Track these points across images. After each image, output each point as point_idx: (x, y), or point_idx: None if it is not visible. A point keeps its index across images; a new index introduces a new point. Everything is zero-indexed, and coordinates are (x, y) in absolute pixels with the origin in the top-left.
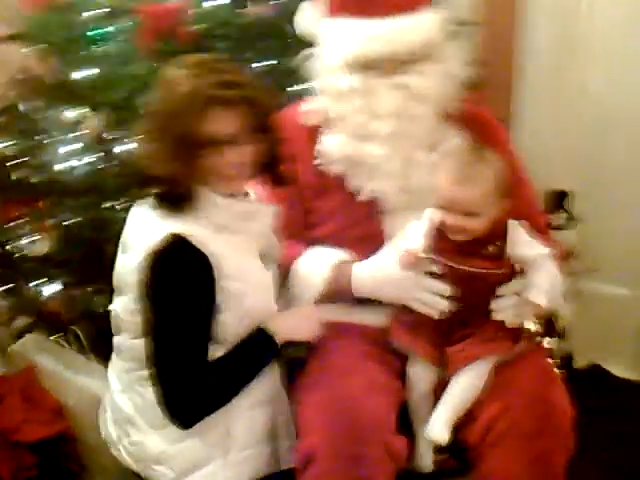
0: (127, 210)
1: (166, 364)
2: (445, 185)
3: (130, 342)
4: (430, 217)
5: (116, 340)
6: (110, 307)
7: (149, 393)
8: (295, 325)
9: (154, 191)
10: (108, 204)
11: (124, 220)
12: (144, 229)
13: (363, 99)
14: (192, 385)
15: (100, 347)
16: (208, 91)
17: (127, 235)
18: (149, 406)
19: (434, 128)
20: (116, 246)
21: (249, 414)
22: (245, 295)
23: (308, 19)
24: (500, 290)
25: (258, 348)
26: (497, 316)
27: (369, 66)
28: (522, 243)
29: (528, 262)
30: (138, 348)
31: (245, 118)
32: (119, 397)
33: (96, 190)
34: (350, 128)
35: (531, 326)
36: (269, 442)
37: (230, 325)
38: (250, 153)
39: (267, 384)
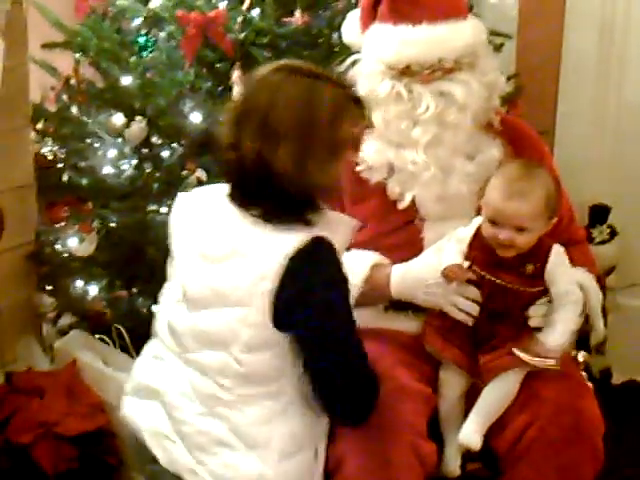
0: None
1: (344, 368)
2: (497, 199)
3: (242, 357)
4: (476, 226)
5: (204, 357)
6: (178, 320)
7: (248, 411)
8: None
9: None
10: (152, 207)
11: (167, 223)
12: (265, 236)
13: (406, 105)
14: (366, 382)
15: (143, 346)
16: (346, 92)
17: (228, 246)
18: (248, 425)
19: (472, 137)
20: (158, 249)
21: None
22: None
23: (353, 28)
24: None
25: None
26: (533, 322)
27: (410, 72)
28: (561, 271)
29: (558, 297)
30: (249, 362)
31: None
32: (202, 420)
33: (140, 193)
34: (392, 134)
35: (551, 362)
36: None
37: None
38: None
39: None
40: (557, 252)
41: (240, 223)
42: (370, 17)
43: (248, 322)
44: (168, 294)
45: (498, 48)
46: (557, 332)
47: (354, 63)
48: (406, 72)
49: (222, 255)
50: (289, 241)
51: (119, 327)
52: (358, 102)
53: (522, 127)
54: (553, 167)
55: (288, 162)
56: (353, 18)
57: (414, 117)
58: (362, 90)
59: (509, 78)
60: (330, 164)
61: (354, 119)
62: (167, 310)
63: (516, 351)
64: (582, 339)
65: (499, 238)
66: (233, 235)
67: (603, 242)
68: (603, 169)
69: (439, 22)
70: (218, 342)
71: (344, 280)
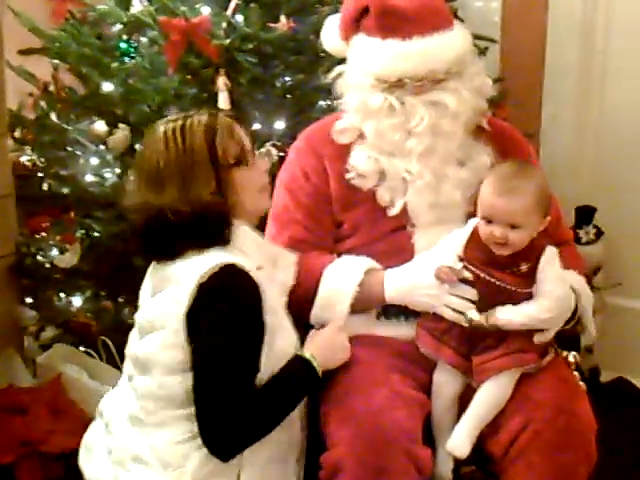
0: None
1: (216, 393)
2: (490, 196)
3: (162, 379)
4: (472, 227)
5: (138, 382)
6: (132, 350)
7: (168, 431)
8: (329, 352)
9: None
10: None
11: None
12: (184, 265)
13: (400, 117)
14: (237, 416)
15: None
16: (220, 121)
17: (162, 275)
18: (166, 445)
19: (463, 144)
20: (144, 258)
21: (262, 470)
22: (276, 331)
23: (333, 34)
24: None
25: (299, 377)
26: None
27: (401, 85)
28: (548, 274)
29: (539, 292)
30: (167, 385)
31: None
32: (126, 436)
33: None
34: (385, 145)
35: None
36: (281, 473)
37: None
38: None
39: (285, 437)
40: (550, 252)
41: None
42: (352, 28)
43: (166, 344)
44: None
45: (482, 52)
46: (512, 310)
47: (340, 74)
48: (397, 84)
49: (156, 286)
50: (201, 267)
51: (105, 339)
52: (233, 119)
53: (508, 130)
54: (541, 171)
55: (174, 193)
56: (332, 24)
57: (408, 129)
58: (352, 102)
59: (494, 82)
60: (211, 181)
61: (229, 132)
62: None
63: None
64: (572, 340)
65: (494, 235)
66: (167, 266)
67: (589, 243)
68: (588, 170)
69: (428, 35)
70: (146, 366)
71: (247, 309)
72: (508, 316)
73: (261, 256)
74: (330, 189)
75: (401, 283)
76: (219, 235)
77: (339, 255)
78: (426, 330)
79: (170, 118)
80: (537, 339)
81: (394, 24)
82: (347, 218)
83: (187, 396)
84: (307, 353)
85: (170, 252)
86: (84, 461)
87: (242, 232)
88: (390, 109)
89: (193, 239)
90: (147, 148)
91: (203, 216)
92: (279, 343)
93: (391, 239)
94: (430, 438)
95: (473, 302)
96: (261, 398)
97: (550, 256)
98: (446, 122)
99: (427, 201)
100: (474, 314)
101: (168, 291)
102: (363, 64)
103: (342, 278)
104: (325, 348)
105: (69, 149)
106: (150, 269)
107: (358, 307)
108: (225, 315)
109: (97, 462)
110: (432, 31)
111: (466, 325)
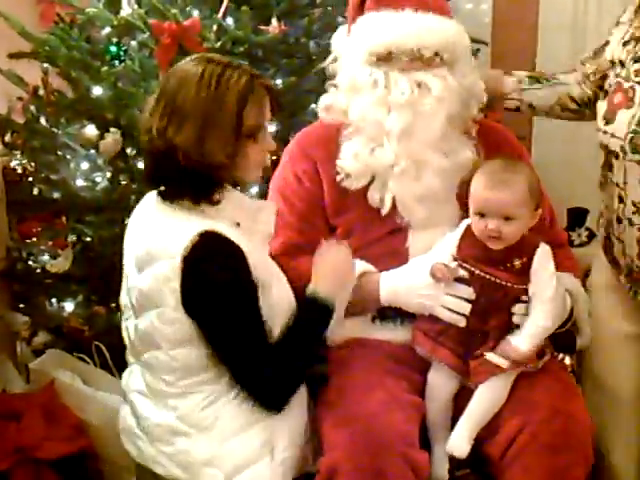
0: None
1: (243, 358)
2: (482, 189)
3: (173, 353)
4: (465, 226)
5: (148, 357)
6: (130, 328)
7: (193, 398)
8: (335, 277)
9: (181, 184)
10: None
11: None
12: (164, 235)
13: (382, 91)
14: (271, 367)
15: (124, 363)
16: (259, 79)
17: (144, 250)
18: (193, 411)
19: (447, 136)
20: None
21: (291, 415)
22: (271, 286)
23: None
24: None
25: (316, 312)
26: (516, 320)
27: (390, 60)
28: (543, 271)
29: (534, 297)
30: (179, 357)
31: (271, 106)
32: (156, 414)
33: (116, 206)
34: (368, 127)
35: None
36: (303, 445)
37: (264, 315)
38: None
39: (303, 390)
40: (544, 250)
41: (154, 220)
42: (358, 13)
43: (167, 320)
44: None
45: (474, 54)
46: (522, 336)
47: (336, 59)
48: (386, 59)
49: (143, 260)
50: (183, 239)
51: (99, 344)
52: (268, 91)
53: (501, 131)
54: (533, 169)
55: (190, 138)
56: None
57: (388, 103)
58: (342, 80)
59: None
60: (228, 145)
61: (259, 106)
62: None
63: (491, 356)
64: (568, 342)
65: (488, 228)
66: (149, 236)
67: (581, 245)
68: (580, 172)
69: (422, 11)
70: (152, 342)
71: (235, 272)
72: (525, 344)
73: (242, 213)
74: (323, 192)
75: (396, 285)
76: (211, 195)
77: None
78: (422, 331)
79: (212, 57)
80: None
81: None
82: (340, 222)
83: (201, 362)
84: (315, 287)
85: (167, 192)
86: (127, 444)
87: (230, 192)
88: (374, 84)
89: (188, 189)
90: (179, 77)
91: (207, 173)
92: (275, 292)
93: (385, 242)
94: (426, 441)
95: (469, 301)
96: (285, 343)
97: (543, 254)
98: (427, 103)
99: (412, 192)
100: (492, 357)
101: (156, 268)
102: (358, 40)
103: None
104: (327, 271)
105: (59, 153)
106: (133, 220)
107: (354, 310)
108: (216, 284)
109: (137, 444)
110: (426, 10)
111: (462, 325)
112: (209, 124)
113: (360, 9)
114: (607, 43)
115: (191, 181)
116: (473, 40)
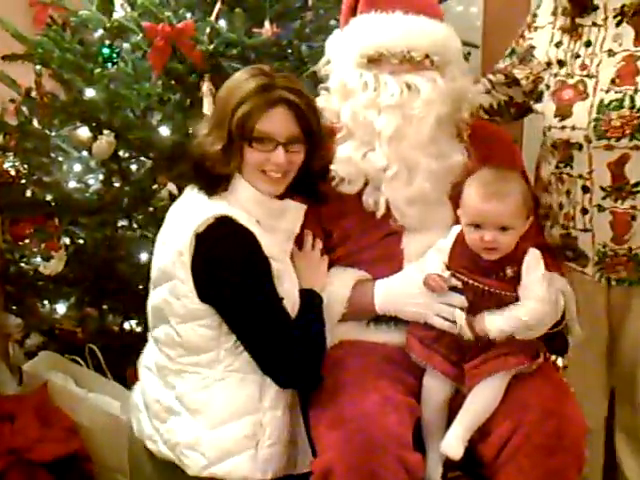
0: (141, 228)
1: (265, 339)
2: (478, 201)
3: (178, 328)
4: (455, 235)
5: (158, 332)
6: (149, 304)
7: (190, 378)
8: (315, 277)
9: (194, 174)
10: (122, 223)
11: (139, 238)
12: (186, 214)
13: (372, 93)
14: (295, 344)
15: (117, 365)
16: (277, 91)
17: (168, 226)
18: (188, 392)
19: (437, 140)
20: (129, 265)
21: (278, 413)
22: (284, 276)
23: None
24: None
25: (314, 304)
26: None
27: (381, 62)
28: (531, 275)
29: (522, 291)
30: (183, 333)
31: (301, 125)
32: (157, 390)
33: (109, 209)
34: (359, 129)
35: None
36: (289, 445)
37: None
38: (296, 161)
39: (289, 392)
40: (533, 254)
41: (183, 205)
42: (350, 15)
43: (177, 293)
44: None
45: (465, 58)
46: (497, 318)
47: (329, 62)
48: (377, 62)
49: (166, 236)
50: (198, 218)
51: (92, 346)
52: (289, 106)
53: (494, 133)
54: (525, 170)
55: (204, 135)
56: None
57: (379, 105)
58: (333, 84)
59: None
60: (222, 140)
61: (260, 113)
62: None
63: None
64: (561, 343)
65: (484, 240)
66: (176, 216)
67: None
68: None
69: (412, 14)
70: (162, 316)
71: (245, 251)
72: (496, 324)
73: (260, 211)
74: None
75: (391, 294)
76: (215, 184)
77: (332, 264)
78: (416, 338)
79: (260, 67)
80: (520, 335)
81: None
82: (336, 227)
83: (202, 342)
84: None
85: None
86: (132, 417)
87: (242, 187)
88: (365, 86)
89: (200, 178)
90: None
91: (211, 166)
92: (287, 287)
93: (380, 246)
94: (420, 443)
95: (463, 309)
96: (299, 325)
97: (533, 258)
98: (417, 106)
99: (403, 194)
100: (461, 317)
101: (171, 242)
102: (349, 42)
103: (331, 295)
104: (306, 273)
105: (52, 156)
106: (171, 210)
107: (349, 318)
108: (225, 261)
109: (139, 417)
110: (417, 12)
111: (457, 333)
112: (218, 118)
113: (353, 11)
114: (533, 47)
115: (198, 170)
116: (464, 43)
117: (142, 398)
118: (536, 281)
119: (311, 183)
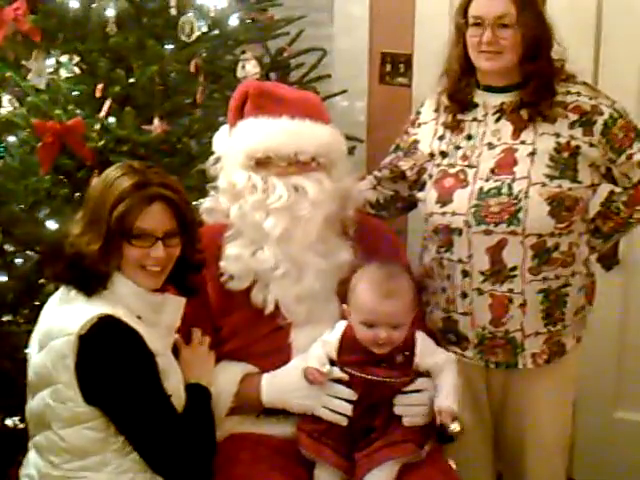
0: (27, 323)
1: (151, 435)
2: (372, 302)
3: (62, 432)
4: (342, 330)
5: (39, 438)
6: (28, 408)
7: None
8: (202, 371)
9: (70, 274)
10: (6, 318)
11: (24, 333)
12: (65, 315)
13: (260, 195)
14: (183, 441)
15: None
16: (153, 188)
17: (45, 329)
18: None
19: (324, 239)
20: (14, 361)
21: None
22: (169, 370)
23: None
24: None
25: (202, 398)
26: (397, 410)
27: (268, 165)
28: (430, 352)
29: (435, 370)
30: (67, 438)
31: (178, 219)
32: None
33: None
34: (248, 229)
35: (455, 426)
36: None
37: None
38: (174, 254)
39: None
40: (422, 338)
41: (58, 305)
42: (237, 117)
43: (61, 398)
44: None
45: (350, 152)
46: (445, 395)
47: (217, 160)
48: (264, 164)
49: (43, 339)
50: (80, 320)
51: None
52: (168, 203)
53: (378, 228)
54: (408, 263)
55: (78, 228)
56: (224, 130)
57: (267, 207)
58: (222, 184)
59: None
60: (100, 238)
61: (138, 211)
62: None
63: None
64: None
65: (379, 338)
66: (51, 317)
67: None
68: None
69: (299, 118)
70: (44, 422)
71: (130, 350)
72: (448, 400)
73: (141, 305)
74: (209, 294)
75: (276, 387)
76: (95, 284)
77: (221, 358)
78: (305, 432)
79: (132, 164)
80: (408, 422)
81: (267, 104)
82: (225, 323)
83: (89, 445)
84: (191, 380)
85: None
86: None
87: (122, 283)
88: (253, 188)
89: (78, 279)
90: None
91: (88, 264)
92: (173, 382)
93: (269, 340)
94: None
95: (352, 401)
96: (188, 421)
97: (422, 339)
98: (304, 207)
99: (293, 293)
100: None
101: (51, 346)
102: (237, 145)
103: (217, 390)
104: (194, 365)
105: None
106: (43, 311)
107: (238, 412)
108: (111, 362)
109: None
110: (304, 117)
111: (344, 424)
112: (92, 218)
113: (240, 113)
114: (417, 142)
115: (74, 271)
116: (349, 138)
117: None
118: (434, 354)
119: (183, 276)
